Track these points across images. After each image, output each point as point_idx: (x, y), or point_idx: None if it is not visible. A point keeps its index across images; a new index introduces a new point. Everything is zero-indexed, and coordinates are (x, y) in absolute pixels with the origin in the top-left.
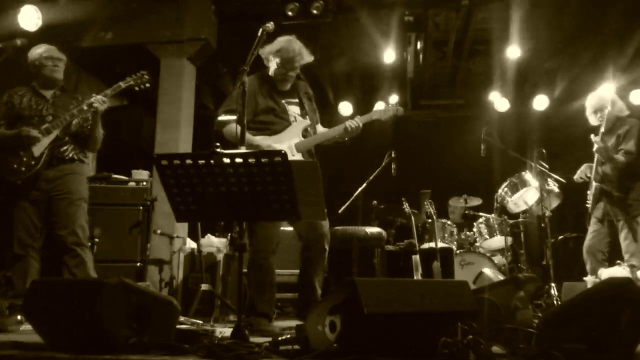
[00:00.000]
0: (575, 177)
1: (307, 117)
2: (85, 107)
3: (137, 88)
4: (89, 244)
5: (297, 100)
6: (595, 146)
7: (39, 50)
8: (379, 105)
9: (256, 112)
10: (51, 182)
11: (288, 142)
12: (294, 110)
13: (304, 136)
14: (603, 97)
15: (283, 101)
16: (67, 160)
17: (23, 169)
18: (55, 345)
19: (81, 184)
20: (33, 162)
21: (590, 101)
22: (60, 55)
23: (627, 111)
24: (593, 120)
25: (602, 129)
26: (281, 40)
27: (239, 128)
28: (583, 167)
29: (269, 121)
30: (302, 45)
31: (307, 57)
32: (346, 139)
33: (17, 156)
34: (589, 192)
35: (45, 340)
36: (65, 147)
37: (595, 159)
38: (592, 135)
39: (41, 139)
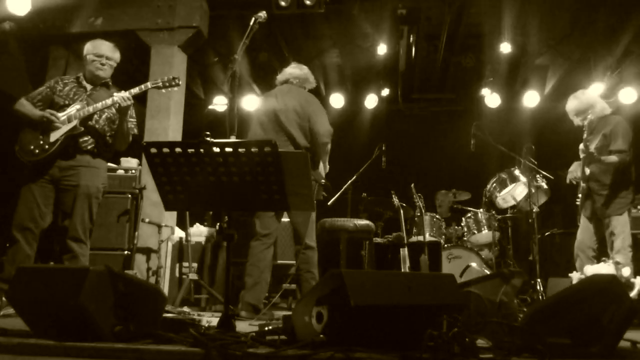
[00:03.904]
0: (568, 178)
1: None
2: (109, 102)
3: (163, 90)
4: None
5: None
6: (582, 155)
7: (91, 44)
8: None
9: None
10: (64, 170)
11: None
12: None
13: None
14: (584, 99)
15: None
16: (84, 151)
17: (37, 151)
18: (41, 332)
19: (95, 178)
20: (47, 147)
21: (572, 103)
22: (112, 53)
23: (609, 109)
24: (576, 122)
25: (585, 135)
26: None
27: None
28: (573, 167)
29: None
30: None
31: None
32: None
33: (37, 138)
34: (579, 189)
35: (31, 327)
36: (85, 138)
37: (582, 160)
38: (580, 146)
39: (60, 126)
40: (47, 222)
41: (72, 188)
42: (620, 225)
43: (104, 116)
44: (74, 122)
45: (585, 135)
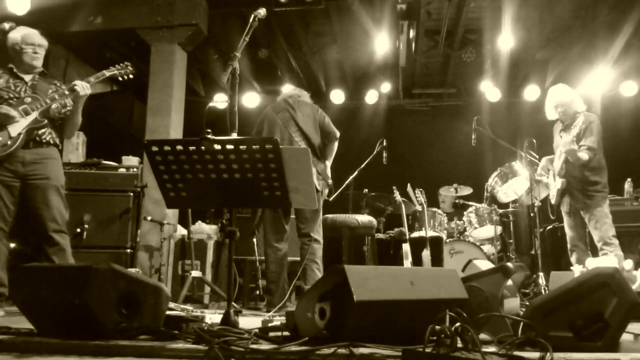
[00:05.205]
0: (537, 173)
1: None
2: (66, 92)
3: (120, 78)
4: (78, 230)
5: None
6: (565, 148)
7: (20, 34)
8: None
9: None
10: (28, 165)
11: None
12: None
13: None
14: (567, 94)
15: None
16: (44, 143)
17: None
18: (45, 331)
19: (59, 169)
20: (9, 142)
21: (555, 95)
22: (42, 40)
23: (584, 106)
24: (552, 115)
25: (562, 128)
26: None
27: None
28: (543, 162)
29: None
30: None
31: None
32: None
33: None
34: (551, 183)
35: (34, 325)
36: (43, 130)
37: (558, 155)
38: (561, 139)
39: (19, 119)
40: (13, 219)
41: (41, 181)
42: (602, 217)
43: (53, 106)
44: (34, 115)
45: (561, 129)
